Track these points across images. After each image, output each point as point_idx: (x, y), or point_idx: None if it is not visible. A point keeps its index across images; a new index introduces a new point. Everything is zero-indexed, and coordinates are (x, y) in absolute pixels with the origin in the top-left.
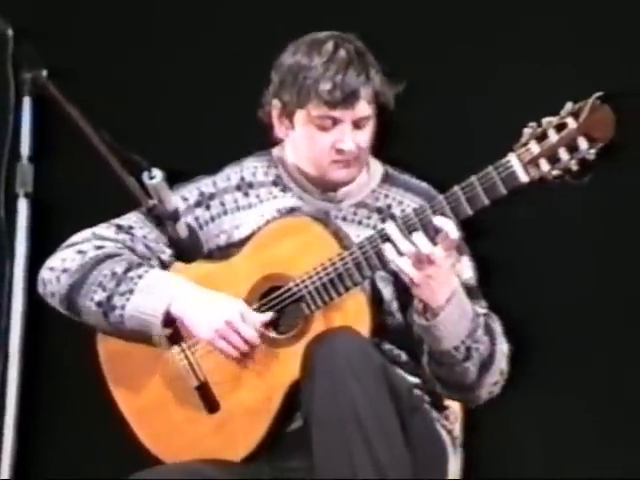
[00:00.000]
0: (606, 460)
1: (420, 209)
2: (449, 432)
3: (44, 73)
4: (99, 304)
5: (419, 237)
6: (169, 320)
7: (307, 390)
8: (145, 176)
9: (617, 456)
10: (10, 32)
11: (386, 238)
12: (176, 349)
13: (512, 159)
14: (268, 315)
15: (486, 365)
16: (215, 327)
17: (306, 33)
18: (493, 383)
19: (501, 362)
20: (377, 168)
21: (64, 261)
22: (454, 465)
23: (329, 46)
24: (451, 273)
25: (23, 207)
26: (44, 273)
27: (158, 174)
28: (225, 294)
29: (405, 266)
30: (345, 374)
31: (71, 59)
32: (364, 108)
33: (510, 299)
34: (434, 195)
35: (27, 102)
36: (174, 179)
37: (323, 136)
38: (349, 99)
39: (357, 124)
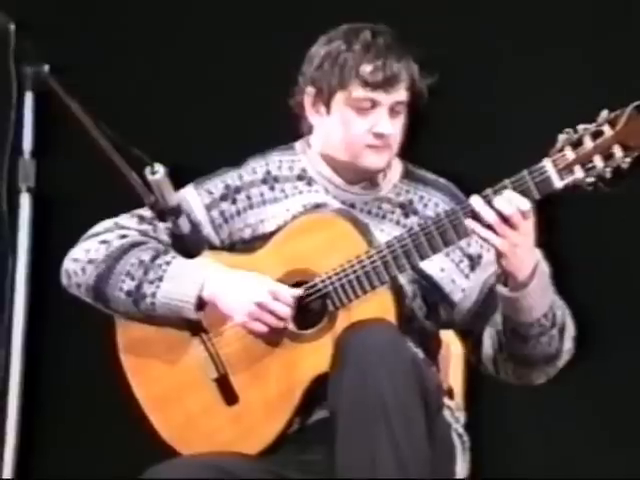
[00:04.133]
0: (609, 461)
1: (451, 210)
2: (460, 436)
3: (46, 68)
4: (128, 293)
5: (501, 202)
6: (201, 304)
7: (336, 380)
8: (147, 171)
9: (621, 456)
10: (12, 27)
11: (417, 240)
12: (196, 340)
13: (547, 164)
14: (299, 290)
15: (563, 329)
16: (247, 310)
17: (319, 30)
18: (568, 350)
19: (572, 328)
20: (397, 164)
21: (88, 252)
22: (461, 469)
23: (367, 34)
24: (533, 242)
25: (25, 202)
26: (68, 264)
27: (160, 169)
28: (254, 274)
29: (490, 236)
30: (375, 366)
31: (73, 54)
32: (403, 93)
33: None
34: (454, 191)
35: (29, 97)
36: (176, 174)
37: (360, 120)
38: (390, 81)
39: (393, 110)
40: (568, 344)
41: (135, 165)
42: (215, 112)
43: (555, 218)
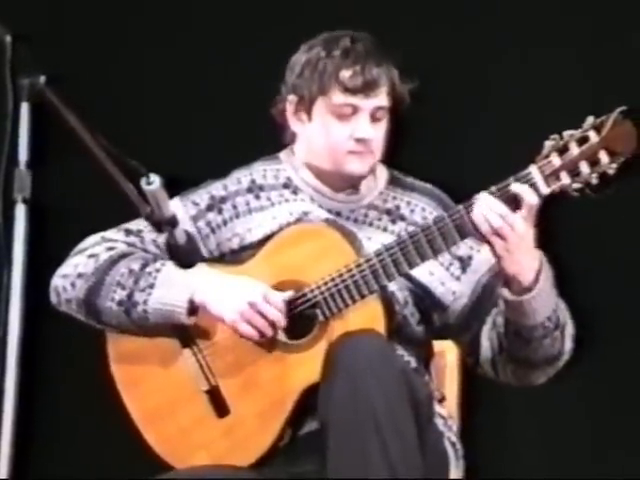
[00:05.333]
0: (607, 463)
1: (439, 217)
2: (453, 444)
3: (42, 79)
4: (120, 303)
5: (496, 205)
6: (193, 308)
7: (326, 391)
8: (143, 182)
9: (617, 459)
10: (8, 38)
11: (405, 249)
12: (187, 351)
13: (533, 171)
14: (289, 293)
15: (564, 329)
16: (238, 309)
17: (310, 35)
18: (569, 349)
19: (571, 326)
20: (382, 171)
21: (77, 267)
22: (455, 477)
23: (346, 41)
24: (533, 244)
25: (21, 213)
26: (56, 281)
27: (156, 180)
28: (246, 277)
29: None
30: (366, 376)
31: (69, 65)
32: (383, 98)
33: None
34: (440, 196)
35: (25, 108)
36: (172, 185)
37: (341, 126)
38: (370, 86)
39: (374, 116)
40: (569, 344)
41: (131, 176)
42: (212, 123)
43: (550, 218)
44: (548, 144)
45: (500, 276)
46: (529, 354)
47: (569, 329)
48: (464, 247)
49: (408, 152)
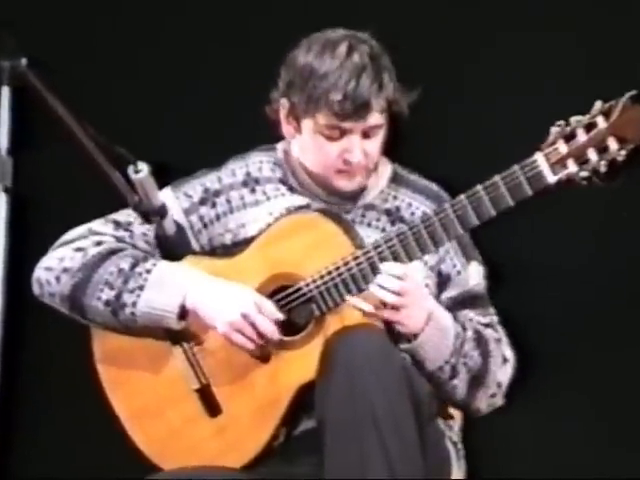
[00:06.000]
0: (611, 463)
1: (440, 209)
2: (454, 444)
3: (24, 62)
4: (107, 303)
5: (387, 270)
6: (184, 313)
7: (323, 389)
8: (130, 170)
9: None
10: None
11: (405, 240)
12: (177, 349)
13: (539, 158)
14: (280, 315)
15: (478, 379)
16: (230, 320)
17: (311, 29)
18: (490, 395)
19: (497, 374)
20: (386, 168)
21: (62, 260)
22: (457, 476)
23: (342, 48)
24: (425, 295)
25: (2, 201)
26: (40, 273)
27: (144, 168)
28: (239, 285)
29: (383, 313)
30: (364, 373)
31: (52, 48)
32: (375, 119)
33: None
34: (445, 198)
35: (6, 92)
36: (161, 173)
37: (330, 145)
38: (360, 111)
39: (367, 133)
40: (488, 391)
41: (118, 163)
42: (204, 108)
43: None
44: (554, 130)
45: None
46: (439, 390)
47: (490, 379)
48: (448, 262)
49: (408, 144)
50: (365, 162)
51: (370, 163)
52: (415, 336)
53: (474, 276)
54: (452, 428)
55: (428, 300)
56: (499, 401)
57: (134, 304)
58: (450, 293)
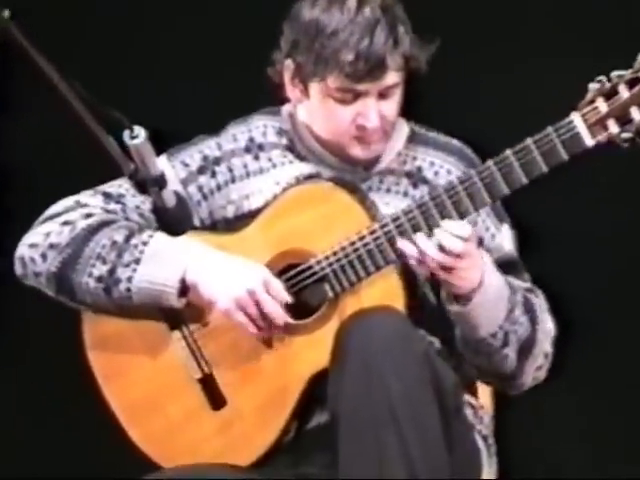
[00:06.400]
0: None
1: (465, 176)
2: (484, 439)
3: (6, 14)
4: (99, 279)
5: (447, 239)
6: (185, 289)
7: (336, 380)
8: (126, 135)
9: None
10: None
11: (427, 212)
12: (176, 335)
13: (576, 119)
14: (288, 298)
15: (527, 349)
16: (235, 295)
17: None
18: (537, 368)
19: (544, 343)
20: (402, 127)
21: (48, 236)
22: (488, 475)
23: (352, 1)
24: (478, 255)
25: None
26: (23, 251)
27: (141, 133)
28: (246, 259)
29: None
30: (382, 360)
31: None
32: (392, 78)
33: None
34: (468, 154)
35: None
36: (158, 140)
37: (343, 110)
38: (374, 71)
39: (383, 94)
40: (535, 362)
41: (111, 128)
42: (204, 68)
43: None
44: (593, 87)
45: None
46: (479, 365)
47: (538, 348)
48: (480, 225)
49: (428, 103)
50: (382, 126)
51: (387, 126)
52: (468, 298)
53: (507, 241)
54: (482, 420)
55: (483, 256)
56: (543, 374)
57: (129, 279)
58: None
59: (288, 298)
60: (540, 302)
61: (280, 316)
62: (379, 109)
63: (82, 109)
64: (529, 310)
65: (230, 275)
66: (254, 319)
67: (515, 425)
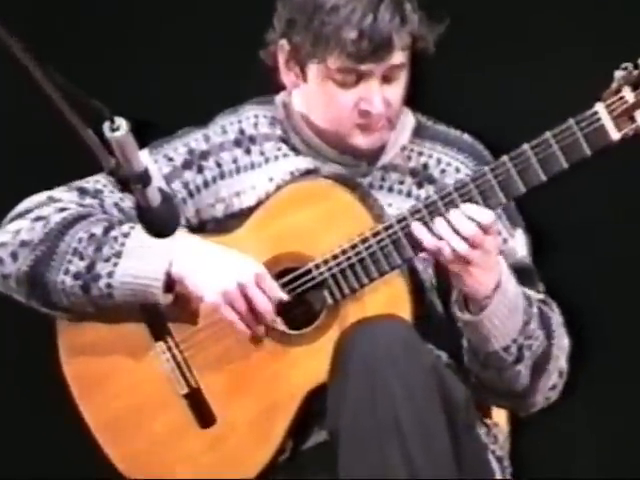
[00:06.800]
0: None
1: (478, 173)
2: (499, 460)
3: None
4: (76, 276)
5: (458, 217)
6: (171, 282)
7: (336, 394)
8: (106, 127)
9: None
10: None
11: (436, 213)
12: (160, 345)
13: (600, 110)
14: (282, 294)
15: (541, 366)
16: (223, 288)
17: None
18: (550, 387)
19: (559, 360)
20: (407, 119)
21: (18, 233)
22: None
23: None
24: (497, 257)
25: None
26: None
27: (123, 125)
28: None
29: (443, 250)
30: (386, 375)
31: None
32: (399, 56)
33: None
34: (480, 151)
35: None
36: (141, 132)
37: (344, 94)
38: (380, 50)
39: (387, 77)
40: (548, 381)
41: (91, 119)
42: (191, 54)
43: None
44: (618, 75)
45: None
46: (487, 380)
47: (553, 366)
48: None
49: (435, 93)
50: (387, 112)
51: (392, 114)
52: (481, 305)
53: (520, 247)
54: (497, 440)
55: (499, 262)
56: (556, 395)
57: (110, 274)
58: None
59: (283, 295)
60: (556, 316)
61: (269, 312)
62: (383, 94)
63: (57, 97)
64: (545, 324)
65: (220, 267)
66: (242, 316)
67: (533, 445)
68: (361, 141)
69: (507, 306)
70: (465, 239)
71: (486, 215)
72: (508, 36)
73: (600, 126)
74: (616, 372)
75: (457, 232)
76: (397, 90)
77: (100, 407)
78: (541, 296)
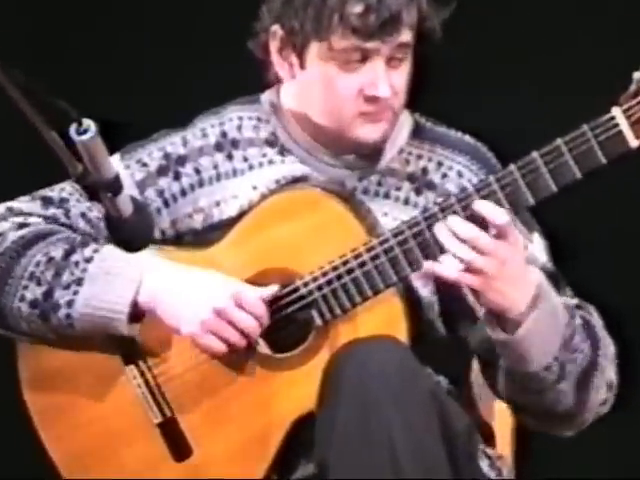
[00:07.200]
0: None
1: (482, 183)
2: None
3: None
4: (33, 304)
5: (457, 224)
6: (137, 313)
7: (326, 422)
8: (73, 130)
9: None
10: None
11: (445, 215)
12: (132, 370)
13: (617, 115)
14: (273, 288)
15: (587, 381)
16: (200, 319)
17: None
18: (600, 403)
19: (607, 372)
20: (405, 119)
21: None
22: None
23: None
24: (523, 266)
25: None
26: None
27: (91, 127)
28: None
29: (459, 275)
30: (381, 401)
31: None
32: (405, 35)
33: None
34: (484, 154)
35: None
36: (112, 135)
37: (347, 78)
38: (387, 26)
39: (393, 59)
40: (597, 396)
41: (56, 122)
42: (167, 50)
43: None
44: (637, 77)
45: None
46: (527, 404)
47: (601, 378)
48: None
49: (437, 95)
50: (392, 101)
51: (396, 104)
52: (517, 323)
53: (539, 252)
54: (501, 473)
55: (532, 272)
56: (606, 408)
57: (70, 304)
58: None
59: (268, 294)
60: (597, 320)
61: (256, 329)
62: (389, 80)
63: (21, 99)
64: (590, 334)
65: (193, 293)
66: (229, 341)
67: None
68: (364, 132)
69: (546, 321)
70: (466, 243)
71: (499, 214)
72: (518, 30)
73: (617, 132)
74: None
75: (456, 236)
76: (402, 77)
77: (65, 438)
78: (575, 301)
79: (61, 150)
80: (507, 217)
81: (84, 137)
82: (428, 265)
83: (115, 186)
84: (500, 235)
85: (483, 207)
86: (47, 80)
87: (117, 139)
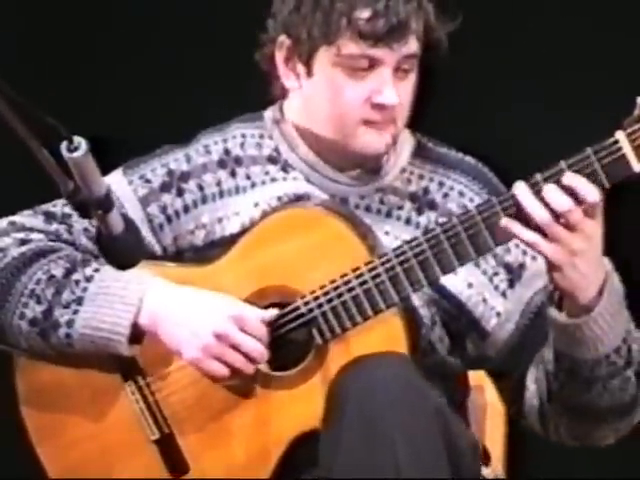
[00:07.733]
0: None
1: (485, 205)
2: None
3: None
4: (33, 322)
5: (553, 193)
6: (137, 334)
7: (330, 441)
8: (64, 147)
9: None
10: None
11: (438, 247)
12: (130, 386)
13: (621, 139)
14: (274, 311)
15: None
16: (202, 345)
17: None
18: None
19: None
20: (406, 139)
21: None
22: None
23: None
24: (601, 250)
25: None
26: None
27: (82, 144)
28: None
29: (539, 241)
30: (387, 419)
31: None
32: (413, 44)
33: None
34: (485, 174)
35: None
36: (107, 152)
37: (354, 86)
38: (396, 33)
39: (399, 69)
40: None
41: (47, 138)
42: (167, 64)
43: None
44: None
45: (551, 291)
46: (590, 402)
47: None
48: (515, 251)
49: (440, 114)
50: (397, 111)
51: (400, 115)
52: (590, 307)
53: None
54: None
55: (602, 257)
56: None
57: (70, 323)
58: (535, 287)
59: (269, 316)
60: None
61: (262, 354)
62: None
63: (10, 115)
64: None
65: (194, 316)
66: (233, 365)
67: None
68: (368, 141)
69: (616, 302)
70: (563, 219)
71: (591, 192)
72: (521, 53)
73: (620, 156)
74: None
75: (549, 207)
76: (408, 88)
77: (61, 453)
78: None
79: (52, 167)
80: (599, 196)
81: (74, 154)
82: (507, 222)
83: (106, 203)
84: (589, 213)
85: (577, 181)
86: (42, 95)
87: (109, 156)
